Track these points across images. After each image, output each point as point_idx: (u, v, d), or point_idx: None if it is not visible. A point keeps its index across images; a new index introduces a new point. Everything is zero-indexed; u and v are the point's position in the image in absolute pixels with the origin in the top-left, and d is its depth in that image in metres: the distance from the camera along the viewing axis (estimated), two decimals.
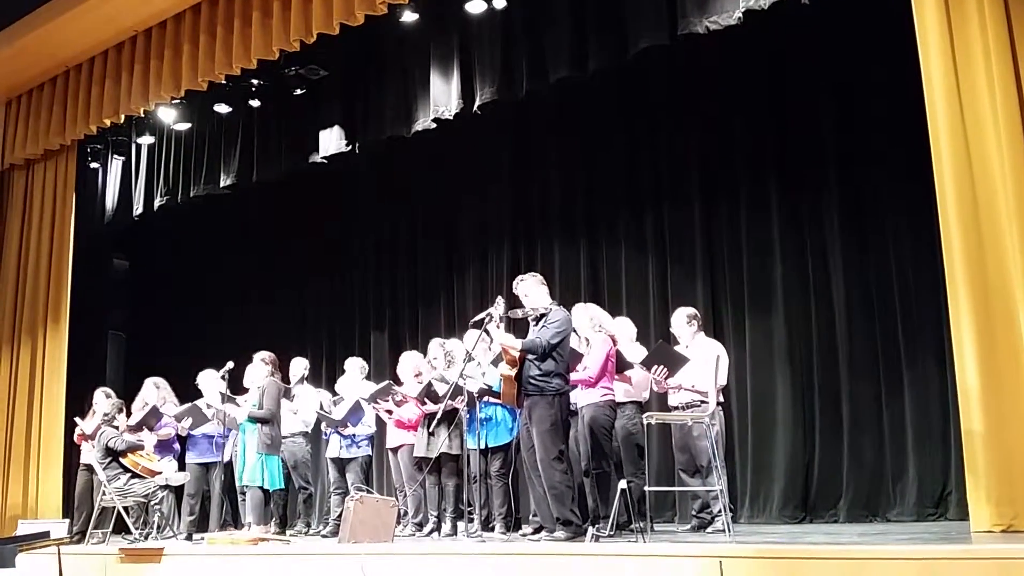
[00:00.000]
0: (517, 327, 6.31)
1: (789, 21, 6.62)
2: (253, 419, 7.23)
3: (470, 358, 6.39)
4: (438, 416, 6.75)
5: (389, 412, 7.46)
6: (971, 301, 4.89)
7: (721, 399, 6.28)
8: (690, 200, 7.96)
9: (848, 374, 7.00)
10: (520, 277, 5.96)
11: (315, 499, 8.85)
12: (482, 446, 6.60)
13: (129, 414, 8.22)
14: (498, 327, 5.78)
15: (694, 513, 6.41)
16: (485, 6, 7.25)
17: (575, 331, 6.19)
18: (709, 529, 6.13)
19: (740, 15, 6.04)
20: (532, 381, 5.57)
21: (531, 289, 5.82)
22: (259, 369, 7.39)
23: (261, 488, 7.21)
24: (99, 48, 9.00)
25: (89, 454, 8.30)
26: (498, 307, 5.76)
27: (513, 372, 5.64)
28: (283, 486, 7.47)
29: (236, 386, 7.71)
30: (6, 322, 9.79)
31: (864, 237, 7.07)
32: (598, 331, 6.12)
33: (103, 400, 8.37)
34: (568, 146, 8.80)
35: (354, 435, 7.82)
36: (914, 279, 6.69)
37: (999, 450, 4.73)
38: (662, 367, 6.05)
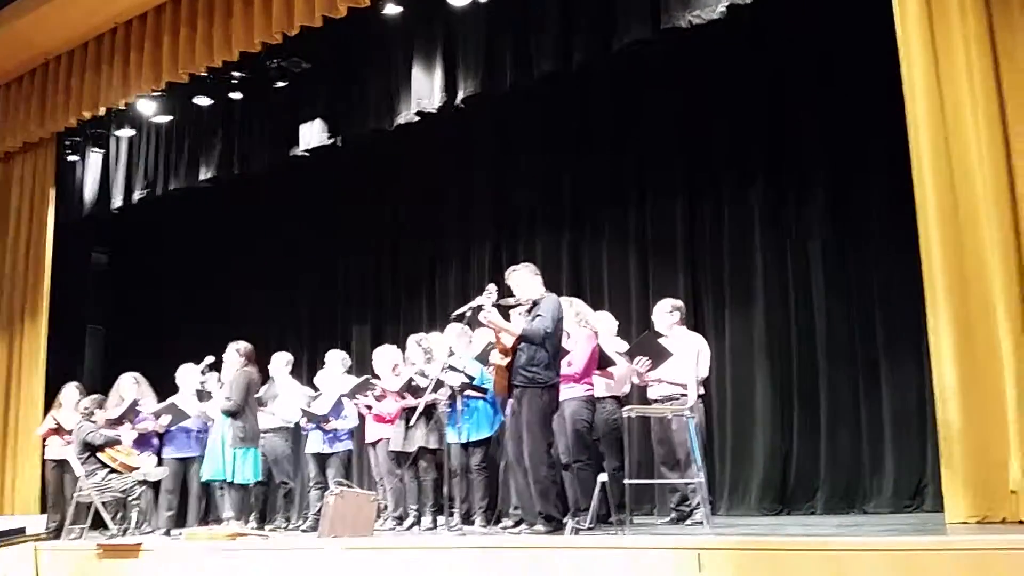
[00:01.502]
0: (505, 318, 6.28)
1: (772, 16, 6.65)
2: (223, 412, 7.19)
3: (451, 352, 6.39)
4: (418, 411, 6.73)
5: (369, 407, 7.43)
6: (948, 294, 4.92)
7: (702, 391, 6.32)
8: (672, 195, 7.99)
9: (826, 367, 7.04)
10: (513, 267, 5.87)
11: (295, 494, 8.82)
12: (463, 440, 6.60)
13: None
14: (490, 314, 5.67)
15: (673, 506, 6.43)
16: None
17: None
18: (688, 521, 6.16)
19: (723, 9, 6.06)
20: (523, 371, 5.47)
21: (524, 279, 5.74)
22: (232, 360, 7.31)
23: (235, 483, 7.15)
24: (79, 40, 8.93)
25: (55, 450, 8.24)
26: (490, 295, 5.62)
27: (505, 362, 5.57)
28: (261, 479, 7.41)
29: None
30: None
31: (843, 231, 7.11)
32: (583, 326, 6.12)
33: (73, 394, 8.31)
34: (551, 140, 8.81)
35: (336, 430, 7.80)
36: (892, 273, 6.72)
37: (974, 443, 4.77)
38: (646, 359, 6.06)
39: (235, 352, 7.31)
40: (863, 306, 6.94)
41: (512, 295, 5.76)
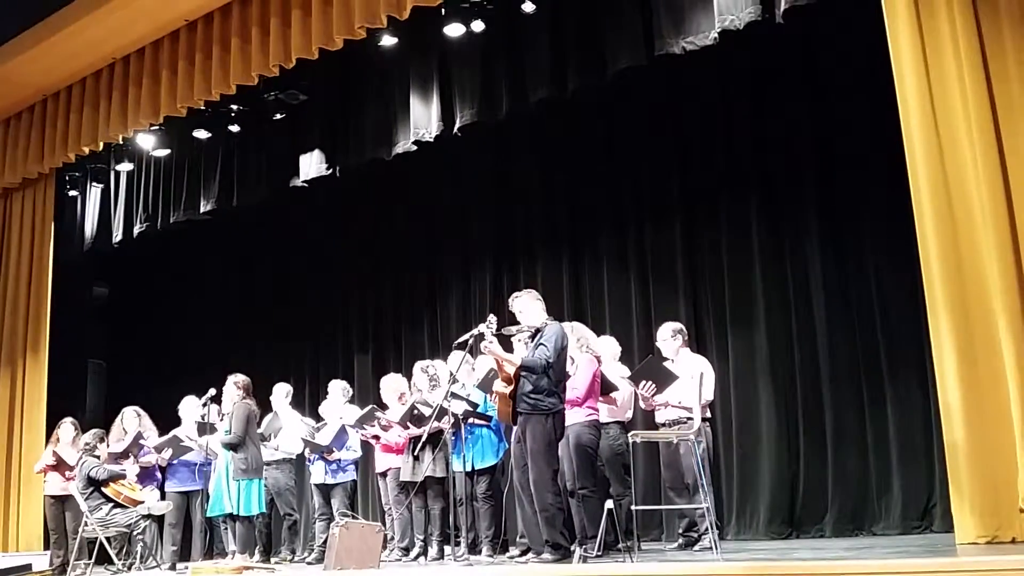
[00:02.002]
0: (505, 345, 6.30)
1: (764, 40, 6.70)
2: (224, 445, 7.17)
3: (454, 380, 6.37)
4: (423, 439, 6.71)
5: (376, 438, 7.41)
6: (950, 314, 4.92)
7: (708, 415, 6.29)
8: (671, 218, 8.01)
9: (831, 388, 7.03)
10: (516, 293, 5.91)
11: (300, 525, 8.77)
12: (468, 468, 6.58)
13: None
14: (491, 344, 5.71)
15: (681, 531, 6.40)
16: (464, 29, 7.28)
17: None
18: (697, 547, 6.12)
19: (716, 35, 6.10)
20: (527, 399, 5.49)
21: (527, 305, 5.77)
22: (231, 393, 7.31)
23: (240, 516, 7.12)
24: (77, 76, 8.95)
25: (55, 485, 8.20)
26: (491, 325, 5.69)
27: (508, 390, 5.58)
28: (264, 511, 7.39)
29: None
30: None
31: (844, 252, 7.12)
32: (585, 351, 6.12)
33: (69, 430, 8.29)
34: (550, 166, 8.84)
35: (340, 460, 7.77)
36: (894, 293, 6.74)
37: (982, 462, 4.75)
38: (650, 383, 6.05)
39: (233, 385, 7.33)
40: (865, 326, 6.93)
41: (515, 322, 5.78)
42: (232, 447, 7.09)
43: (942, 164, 5.09)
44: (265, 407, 7.84)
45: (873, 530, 6.65)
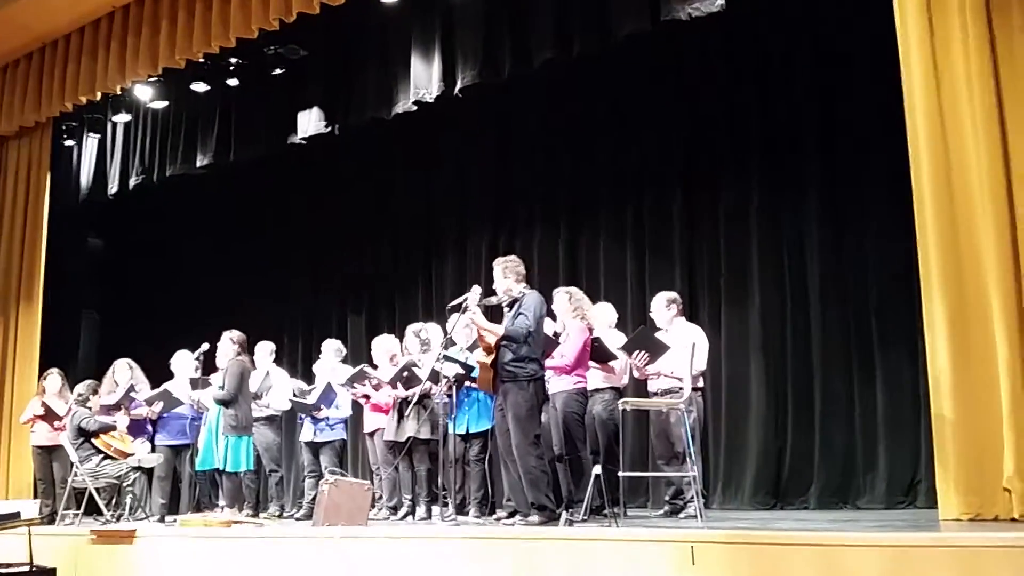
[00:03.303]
0: (492, 313, 6.31)
1: (770, 9, 6.63)
2: (217, 401, 7.19)
3: (451, 342, 6.39)
4: (413, 401, 6.74)
5: (366, 397, 7.43)
6: (943, 293, 4.92)
7: (700, 384, 6.31)
8: (671, 188, 7.99)
9: (821, 363, 7.06)
10: (497, 260, 5.94)
11: (286, 482, 8.83)
12: (462, 431, 6.61)
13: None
14: (474, 314, 5.77)
15: (667, 499, 6.44)
16: None
17: (552, 316, 6.19)
18: (682, 515, 6.17)
19: (722, 2, 6.03)
20: (507, 367, 5.58)
21: (509, 273, 5.81)
22: (226, 348, 7.32)
23: (228, 471, 7.16)
24: (76, 24, 8.87)
25: (42, 435, 8.23)
26: (474, 295, 5.78)
27: (489, 359, 5.64)
28: (252, 468, 7.43)
29: (211, 367, 7.67)
30: None
31: (840, 227, 7.12)
32: (580, 319, 6.12)
33: (56, 380, 8.30)
34: (550, 133, 8.79)
35: (328, 418, 7.80)
36: (888, 269, 6.74)
37: (968, 440, 4.78)
38: (643, 352, 6.06)
39: (228, 340, 7.33)
40: (859, 302, 6.94)
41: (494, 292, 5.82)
42: (224, 403, 7.10)
43: (944, 144, 5.07)
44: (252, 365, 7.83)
45: (857, 504, 6.70)
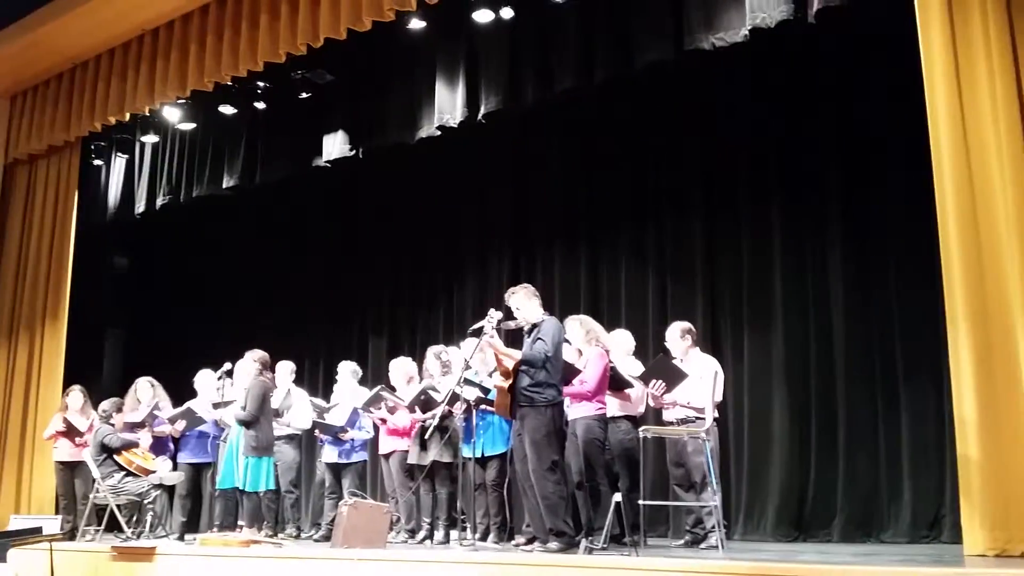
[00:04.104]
0: (511, 337, 6.32)
1: (795, 39, 6.64)
2: (238, 421, 7.22)
3: (468, 366, 6.40)
4: (433, 424, 6.75)
5: (383, 420, 7.45)
6: (970, 326, 4.88)
7: (717, 415, 6.29)
8: (692, 214, 7.98)
9: (845, 393, 6.99)
10: (511, 289, 5.98)
11: (303, 503, 8.83)
12: (478, 455, 6.61)
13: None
14: (491, 339, 5.79)
15: (688, 528, 6.40)
16: (492, 16, 7.27)
17: (568, 342, 6.20)
18: (702, 545, 6.12)
19: (747, 32, 6.06)
20: (525, 392, 5.59)
21: (522, 301, 5.84)
22: (247, 368, 7.35)
23: (247, 491, 7.18)
24: (106, 46, 9.00)
25: (63, 451, 8.29)
26: (492, 319, 5.81)
27: (507, 384, 5.65)
28: (273, 487, 7.46)
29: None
30: (4, 317, 9.78)
31: (865, 257, 7.07)
32: (595, 344, 6.12)
33: (78, 397, 8.37)
34: (571, 157, 8.82)
35: (352, 440, 7.81)
36: (913, 300, 6.68)
37: (994, 474, 4.72)
38: (660, 382, 6.05)
39: (251, 360, 7.37)
40: (883, 332, 6.88)
41: (514, 317, 5.82)
42: (245, 424, 7.14)
43: (969, 173, 5.04)
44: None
45: (881, 537, 6.62)
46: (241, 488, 7.22)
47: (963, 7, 5.16)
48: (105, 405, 7.94)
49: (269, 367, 7.53)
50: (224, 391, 7.85)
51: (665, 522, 7.48)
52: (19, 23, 9.00)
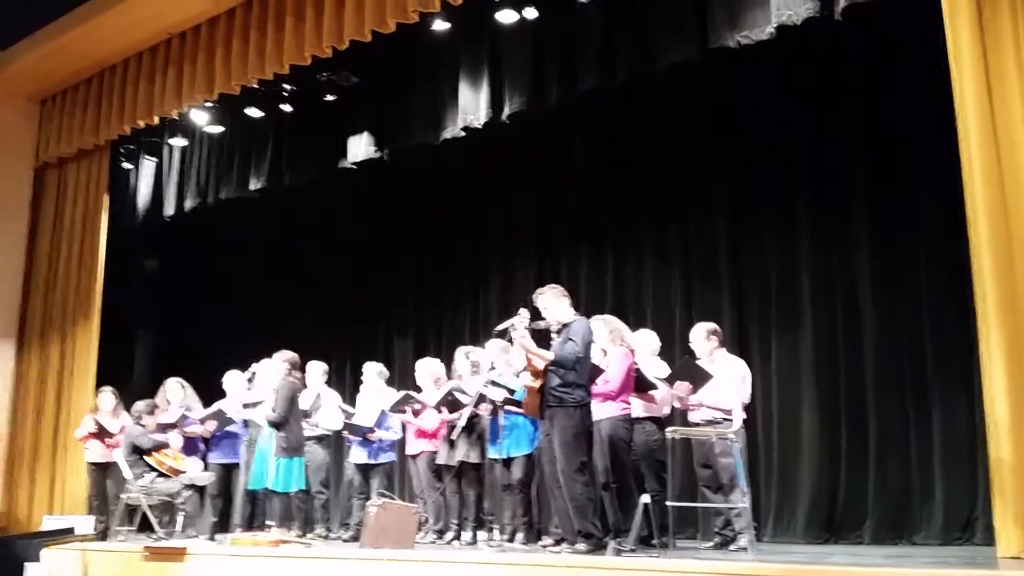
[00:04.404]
0: (536, 337, 6.30)
1: (821, 36, 6.57)
2: (268, 422, 7.28)
3: (493, 367, 6.41)
4: (460, 425, 6.77)
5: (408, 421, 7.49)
6: (1001, 325, 4.81)
7: (745, 416, 6.25)
8: (717, 214, 7.93)
9: (875, 393, 6.92)
10: (539, 290, 5.98)
11: (332, 504, 8.88)
12: (504, 456, 6.61)
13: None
14: (523, 339, 5.78)
15: (717, 530, 6.37)
16: (516, 16, 7.27)
17: (592, 342, 6.18)
18: (732, 547, 6.09)
19: (772, 30, 6.01)
20: (554, 392, 5.60)
21: (551, 301, 5.83)
22: (276, 369, 7.39)
23: (278, 492, 7.24)
24: (134, 50, 9.10)
25: (95, 452, 8.39)
26: (522, 318, 5.79)
27: (536, 384, 5.65)
28: (304, 488, 7.51)
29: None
30: (36, 319, 9.92)
31: (894, 255, 6.99)
32: (618, 344, 6.11)
33: (109, 398, 8.46)
34: (595, 157, 8.80)
35: (381, 440, 7.84)
36: (943, 298, 6.60)
37: None
38: (686, 383, 6.02)
39: (279, 361, 7.41)
40: (913, 332, 6.80)
41: (543, 317, 5.81)
42: (275, 425, 7.20)
43: (999, 169, 4.97)
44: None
45: (913, 539, 6.55)
46: (272, 488, 7.27)
47: (992, 1, 5.08)
48: (138, 406, 8.01)
49: (298, 367, 7.57)
50: (253, 392, 7.91)
51: (693, 524, 7.44)
52: (47, 28, 9.12)
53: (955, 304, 6.31)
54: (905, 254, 6.93)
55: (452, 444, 6.93)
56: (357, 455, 7.94)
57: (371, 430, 7.74)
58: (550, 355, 5.63)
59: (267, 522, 7.57)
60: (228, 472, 8.27)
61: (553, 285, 6.01)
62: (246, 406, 7.85)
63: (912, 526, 6.60)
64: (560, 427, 5.56)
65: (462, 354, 7.30)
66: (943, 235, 6.43)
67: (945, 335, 6.58)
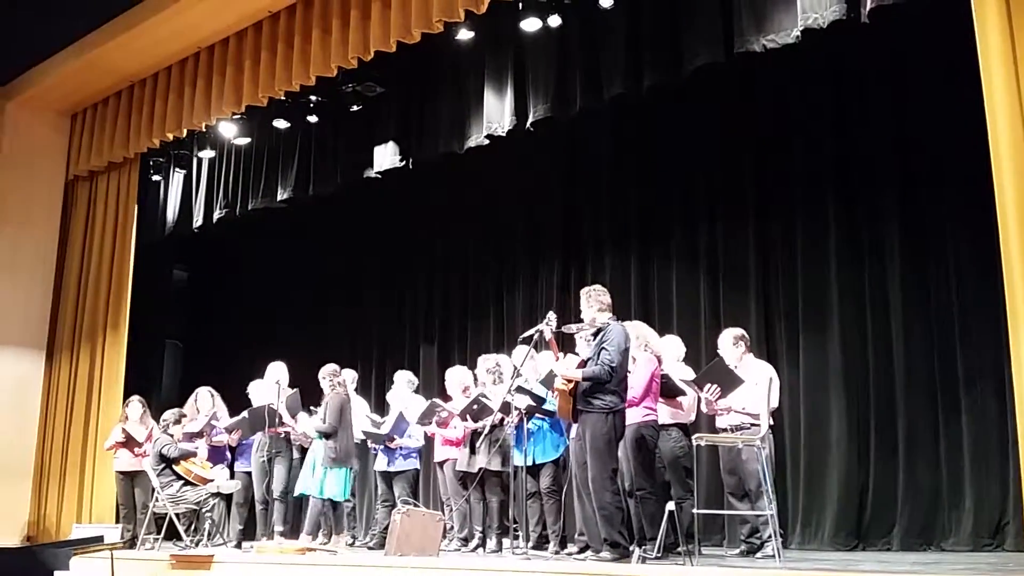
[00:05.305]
0: (565, 340, 6.28)
1: (848, 39, 6.54)
2: (319, 433, 7.34)
3: (518, 374, 6.40)
4: (484, 432, 6.76)
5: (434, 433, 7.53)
6: None
7: (772, 422, 6.19)
8: (745, 218, 7.89)
9: (904, 398, 6.84)
10: (583, 289, 5.92)
11: (358, 511, 8.90)
12: (529, 462, 6.59)
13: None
14: (549, 342, 5.75)
15: (743, 538, 6.31)
16: (540, 24, 7.28)
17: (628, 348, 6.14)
18: (759, 554, 6.03)
19: (798, 33, 5.98)
20: (586, 397, 5.52)
21: (590, 302, 5.78)
22: (329, 381, 7.51)
23: (322, 499, 7.31)
24: (163, 64, 9.20)
25: (124, 462, 8.46)
26: (549, 323, 5.75)
27: (569, 387, 5.60)
28: (347, 498, 7.57)
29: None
30: (67, 329, 10.02)
31: (922, 257, 6.93)
32: (644, 350, 6.07)
33: (137, 408, 8.54)
34: (621, 162, 8.79)
35: (402, 447, 7.86)
36: (973, 300, 6.52)
37: None
38: (715, 386, 5.98)
39: (324, 375, 7.56)
40: (943, 335, 6.73)
41: (579, 315, 5.78)
42: (326, 435, 7.29)
43: None
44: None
45: (942, 546, 6.46)
46: (318, 495, 7.33)
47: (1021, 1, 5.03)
48: (167, 415, 8.09)
49: (339, 375, 7.63)
50: (280, 403, 7.95)
51: (720, 531, 7.39)
52: (77, 44, 9.23)
53: (985, 305, 6.22)
54: (935, 255, 6.86)
55: (473, 451, 6.93)
56: (380, 463, 8.00)
57: (390, 437, 7.77)
58: (578, 374, 5.57)
59: (276, 530, 7.65)
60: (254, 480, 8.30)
61: (596, 286, 5.94)
62: (272, 417, 7.88)
63: (941, 532, 6.51)
64: (592, 433, 5.48)
65: (484, 367, 7.30)
66: (973, 236, 6.36)
67: (975, 337, 6.50)
